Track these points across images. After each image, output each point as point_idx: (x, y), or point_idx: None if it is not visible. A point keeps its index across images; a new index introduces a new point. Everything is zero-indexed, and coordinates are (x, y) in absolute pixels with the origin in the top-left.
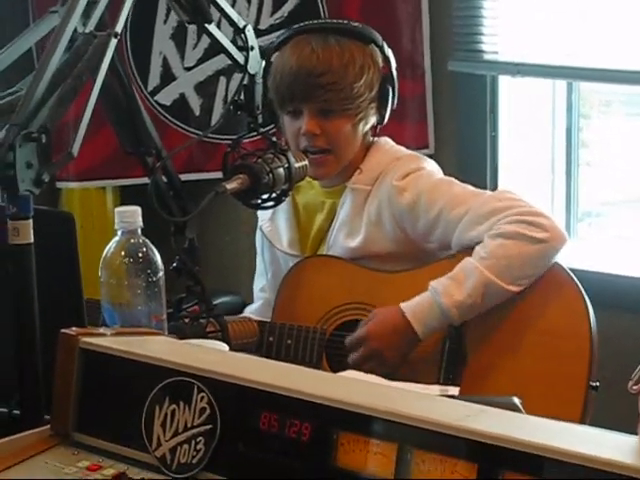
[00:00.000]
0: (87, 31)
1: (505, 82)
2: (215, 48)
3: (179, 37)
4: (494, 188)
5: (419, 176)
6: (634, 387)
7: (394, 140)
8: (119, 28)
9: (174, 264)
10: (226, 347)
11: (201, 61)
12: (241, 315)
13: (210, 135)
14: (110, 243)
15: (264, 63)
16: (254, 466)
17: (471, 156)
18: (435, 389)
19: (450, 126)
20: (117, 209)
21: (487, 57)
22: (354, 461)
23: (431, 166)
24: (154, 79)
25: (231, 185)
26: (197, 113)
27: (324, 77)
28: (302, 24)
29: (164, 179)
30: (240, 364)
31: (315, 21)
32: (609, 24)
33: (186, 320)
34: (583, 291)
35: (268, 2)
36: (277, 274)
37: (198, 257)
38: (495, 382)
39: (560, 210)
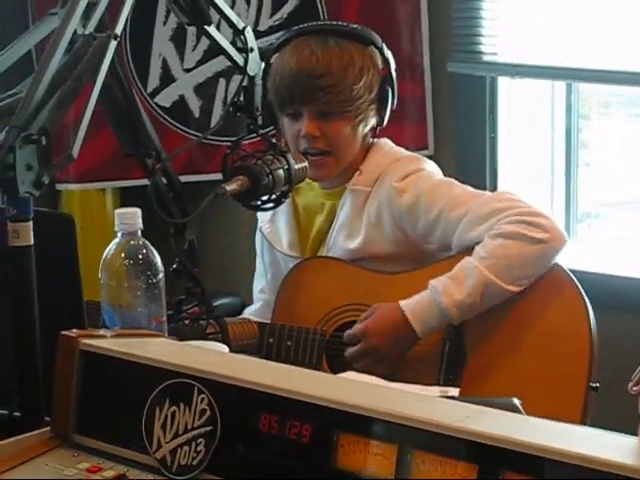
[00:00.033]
0: (87, 33)
1: (504, 83)
2: (214, 50)
3: (178, 39)
4: (493, 189)
5: (419, 177)
6: (634, 388)
7: (394, 141)
8: (119, 30)
9: (174, 266)
10: (226, 348)
11: (200, 63)
12: (241, 316)
13: (210, 137)
14: (110, 245)
15: (263, 65)
16: (254, 468)
17: (470, 157)
18: (435, 390)
19: (449, 127)
20: (117, 211)
21: (486, 58)
22: (354, 462)
23: (431, 167)
24: (153, 81)
25: (231, 187)
26: (196, 115)
27: (324, 79)
28: (301, 26)
29: (164, 181)
30: (240, 365)
31: (314, 23)
32: (608, 25)
33: (186, 322)
34: (583, 292)
35: (267, 3)
36: (277, 275)
37: (198, 259)
38: (495, 383)
39: (560, 211)
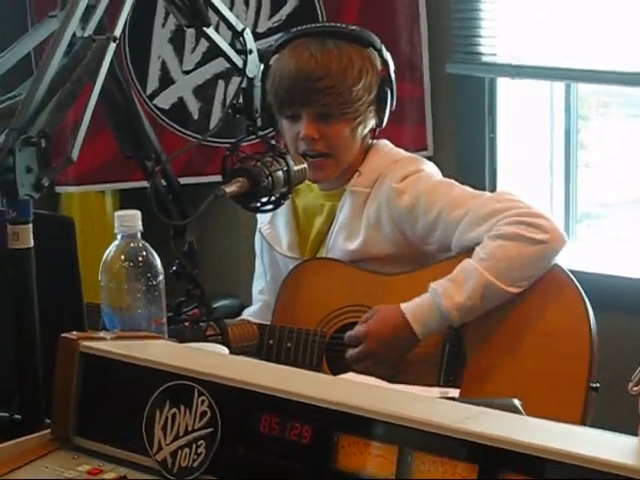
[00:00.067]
0: (86, 35)
1: (503, 84)
2: (213, 52)
3: (177, 41)
4: (493, 190)
5: (418, 178)
6: (634, 388)
7: (393, 142)
8: (118, 32)
9: (174, 268)
10: (226, 350)
11: (199, 65)
12: (240, 318)
13: (209, 139)
14: (110, 247)
15: (262, 66)
16: (255, 469)
17: (470, 158)
18: (435, 391)
19: (449, 128)
20: (117, 213)
21: (485, 59)
22: (355, 463)
23: (430, 168)
24: (153, 83)
25: (230, 188)
26: (196, 117)
27: (323, 81)
28: (300, 27)
29: (163, 183)
30: (240, 367)
31: (313, 25)
32: (607, 26)
33: (186, 324)
34: (583, 292)
35: (266, 5)
36: (276, 277)
37: (198, 260)
38: (495, 384)
39: (559, 211)
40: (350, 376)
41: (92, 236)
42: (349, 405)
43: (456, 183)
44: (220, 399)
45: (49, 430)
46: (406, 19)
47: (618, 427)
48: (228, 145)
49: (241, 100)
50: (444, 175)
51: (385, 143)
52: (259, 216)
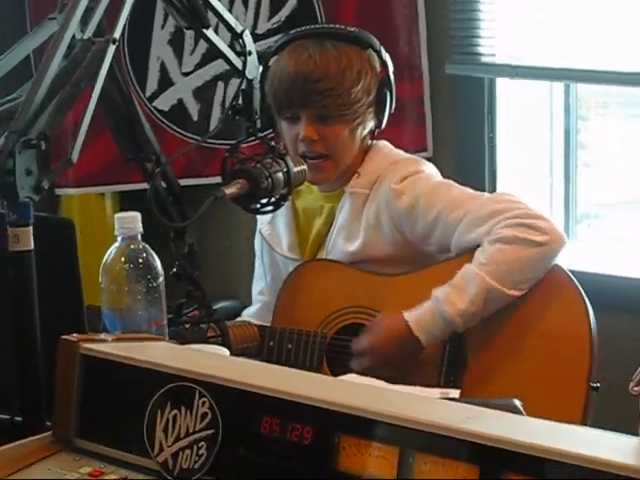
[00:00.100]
0: (85, 37)
1: (502, 84)
2: (213, 53)
3: (177, 42)
4: (492, 190)
5: (417, 179)
6: (635, 388)
7: (393, 143)
8: (117, 34)
9: (174, 269)
10: (227, 352)
11: (199, 66)
12: (239, 318)
13: (209, 140)
14: (110, 249)
15: (261, 68)
16: (256, 470)
17: (469, 158)
18: (436, 392)
19: (448, 129)
20: (117, 215)
21: (484, 59)
22: (356, 465)
23: (429, 169)
24: (152, 85)
25: (230, 190)
26: (195, 118)
27: (321, 83)
28: (299, 29)
29: (163, 185)
30: (241, 369)
31: (312, 26)
32: (606, 26)
33: (187, 325)
34: (583, 292)
35: (265, 7)
36: (276, 277)
37: (198, 262)
38: (496, 385)
39: (559, 212)
40: (351, 377)
41: (92, 238)
42: (350, 406)
43: (455, 184)
44: (221, 400)
45: (50, 432)
46: (405, 20)
47: (618, 427)
48: (228, 147)
49: (240, 101)
50: (444, 175)
51: (384, 144)
52: (259, 217)
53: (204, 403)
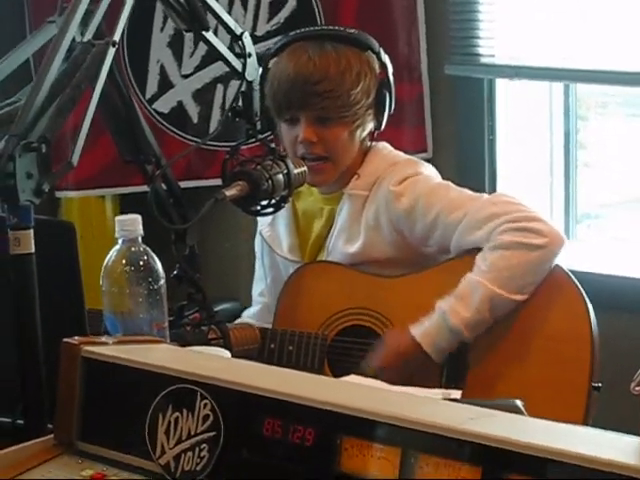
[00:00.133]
0: (85, 40)
1: (502, 85)
2: (212, 55)
3: (176, 45)
4: (492, 191)
5: (416, 181)
6: (637, 388)
7: (392, 144)
8: (117, 37)
9: (175, 272)
10: (228, 354)
11: (198, 69)
12: (240, 320)
13: (209, 142)
14: (111, 252)
15: (261, 70)
16: (258, 472)
17: (469, 159)
18: (437, 393)
19: (448, 130)
20: (118, 218)
21: (484, 60)
22: (358, 466)
23: (428, 171)
24: (152, 87)
25: (230, 192)
26: (195, 120)
27: (321, 85)
28: (299, 31)
29: (164, 187)
30: (243, 370)
31: (312, 28)
32: (605, 26)
33: (188, 327)
34: (584, 293)
35: (264, 9)
36: (277, 279)
37: (198, 264)
38: (497, 388)
39: (559, 212)
40: (352, 378)
41: (92, 241)
42: (352, 407)
43: (454, 185)
44: (223, 402)
45: (52, 435)
46: (404, 21)
47: (619, 427)
48: (228, 149)
49: (240, 103)
50: (444, 177)
51: (384, 145)
52: (259, 219)
53: (206, 405)
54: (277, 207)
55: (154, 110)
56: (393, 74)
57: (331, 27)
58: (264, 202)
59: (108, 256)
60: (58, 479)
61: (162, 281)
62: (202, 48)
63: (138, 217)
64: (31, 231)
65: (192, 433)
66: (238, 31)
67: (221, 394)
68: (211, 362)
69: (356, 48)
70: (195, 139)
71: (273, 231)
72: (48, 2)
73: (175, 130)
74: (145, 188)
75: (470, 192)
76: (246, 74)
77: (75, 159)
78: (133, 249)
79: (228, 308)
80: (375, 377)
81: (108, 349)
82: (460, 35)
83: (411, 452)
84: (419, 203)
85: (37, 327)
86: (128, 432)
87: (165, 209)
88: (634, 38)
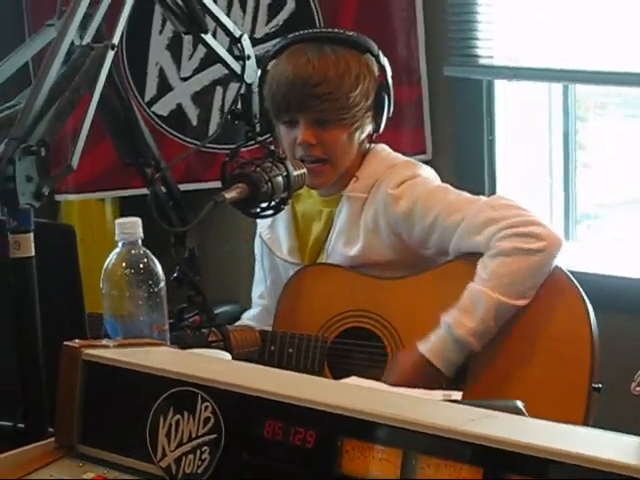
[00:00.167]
0: (84, 43)
1: (501, 86)
2: (211, 58)
3: (175, 47)
4: (492, 192)
5: (414, 183)
6: (637, 388)
7: (391, 146)
8: (116, 40)
9: (175, 274)
10: (228, 356)
11: (197, 71)
12: (240, 322)
13: (208, 145)
14: (111, 255)
15: (260, 72)
16: (259, 475)
17: (468, 161)
18: (438, 394)
19: (447, 131)
20: (117, 220)
21: (483, 61)
22: (359, 467)
23: (427, 173)
24: (151, 90)
25: (230, 194)
26: (194, 123)
27: (320, 87)
28: (298, 33)
29: (163, 190)
30: (243, 373)
31: (311, 30)
32: (603, 27)
33: (188, 330)
34: (583, 294)
35: (263, 11)
36: (276, 281)
37: (198, 267)
38: (498, 389)
39: (558, 213)
40: (352, 380)
41: (92, 244)
42: (353, 409)
43: (452, 188)
44: (224, 405)
45: (53, 438)
46: (403, 23)
47: (619, 427)
48: (227, 151)
49: (240, 106)
50: (443, 178)
51: (383, 147)
52: (259, 221)
53: (207, 408)
54: (277, 209)
55: (153, 113)
56: (392, 77)
57: (330, 30)
58: (264, 204)
59: (108, 259)
60: None
61: (162, 284)
62: (201, 51)
63: (138, 220)
64: (31, 234)
65: (193, 436)
66: (237, 33)
67: (222, 396)
68: (212, 364)
69: (355, 51)
70: (194, 142)
71: (273, 233)
72: (47, 5)
73: (174, 133)
74: (145, 191)
75: (468, 195)
76: (245, 76)
77: (75, 162)
78: (133, 252)
79: (228, 310)
80: None
81: (109, 352)
82: (459, 36)
83: (412, 453)
84: (417, 206)
85: (37, 330)
86: (129, 435)
87: (165, 212)
88: (633, 39)
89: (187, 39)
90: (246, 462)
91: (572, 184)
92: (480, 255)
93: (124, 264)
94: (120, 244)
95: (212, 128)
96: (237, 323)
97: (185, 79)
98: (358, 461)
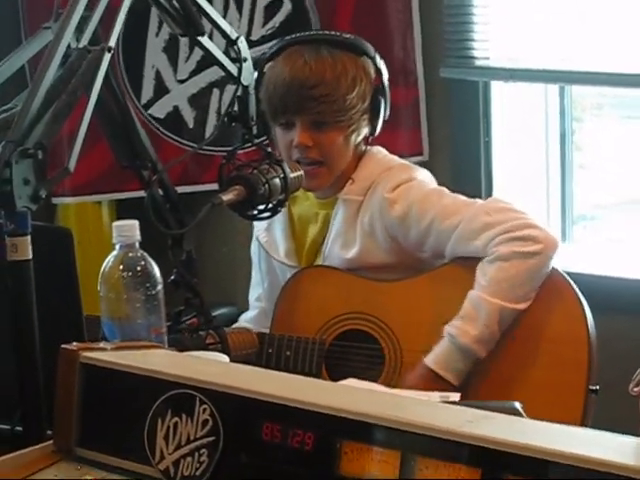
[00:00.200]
0: (81, 46)
1: (497, 87)
2: (208, 60)
3: (171, 50)
4: (489, 194)
5: (410, 187)
6: (635, 389)
7: (388, 148)
8: (113, 42)
9: (172, 277)
10: (226, 359)
11: (194, 73)
12: (237, 324)
13: (205, 147)
14: (108, 257)
15: (256, 74)
16: (258, 477)
17: (465, 162)
18: (435, 395)
19: (444, 132)
20: (115, 223)
21: (479, 63)
22: (358, 469)
23: (422, 176)
24: (147, 92)
25: (227, 196)
26: (191, 125)
27: (317, 89)
28: (294, 35)
29: (160, 192)
30: (241, 375)
31: (307, 32)
32: (600, 28)
33: (186, 333)
34: (580, 295)
35: (259, 13)
36: (274, 284)
37: (196, 269)
38: (496, 390)
39: (555, 214)
40: (350, 382)
41: (89, 247)
42: (351, 411)
43: (448, 191)
44: (222, 407)
45: (51, 442)
46: (399, 24)
47: (617, 427)
48: (224, 153)
49: (236, 108)
50: (440, 179)
51: (378, 150)
52: (256, 223)
53: (205, 410)
54: (274, 211)
55: (150, 115)
56: (388, 79)
57: (327, 32)
58: (261, 206)
59: (105, 262)
60: None
61: (160, 286)
62: (197, 53)
63: (135, 222)
64: (28, 237)
65: (191, 438)
66: (233, 36)
67: (220, 399)
68: (210, 367)
69: (352, 53)
70: (191, 144)
71: (270, 236)
72: (43, 8)
73: (171, 135)
74: (142, 193)
75: (464, 198)
76: (242, 79)
77: (72, 165)
78: (130, 254)
79: (225, 313)
80: None
81: (106, 355)
82: (455, 38)
83: (410, 455)
84: (412, 210)
85: (35, 333)
86: (127, 438)
87: (162, 214)
88: (629, 40)
89: (183, 41)
90: (244, 464)
91: (569, 185)
92: (476, 257)
93: (121, 267)
94: (117, 247)
95: (209, 130)
96: (234, 325)
97: (182, 81)
98: (357, 463)
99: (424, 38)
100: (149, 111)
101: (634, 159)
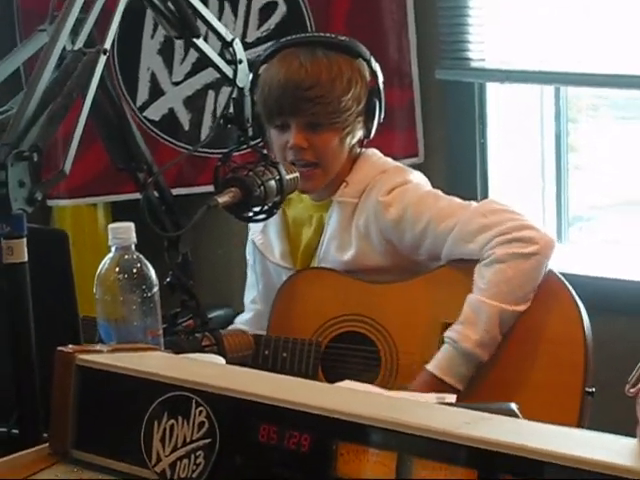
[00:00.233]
0: (76, 48)
1: (493, 89)
2: (203, 62)
3: (166, 52)
4: (484, 195)
5: (405, 190)
6: (631, 390)
7: (383, 149)
8: (108, 44)
9: (168, 279)
10: (222, 360)
11: (189, 75)
12: (233, 326)
13: (200, 149)
14: (104, 259)
15: (251, 76)
16: (254, 478)
17: (461, 163)
18: (432, 397)
19: (439, 134)
20: (111, 225)
21: (474, 64)
22: (354, 471)
23: (417, 178)
24: (142, 94)
25: (223, 198)
26: (186, 128)
27: (312, 91)
28: (290, 37)
29: (156, 194)
30: (238, 377)
31: (303, 34)
32: (595, 29)
33: (182, 335)
34: (576, 296)
35: (254, 15)
36: (269, 286)
37: (191, 271)
38: (492, 391)
39: (551, 215)
40: (347, 384)
41: (85, 249)
42: (347, 413)
43: (442, 194)
44: (218, 409)
45: (47, 444)
46: (394, 26)
47: (614, 429)
48: (219, 155)
49: (232, 110)
50: (435, 181)
51: (373, 152)
52: (251, 225)
53: (201, 412)
54: (270, 213)
55: (145, 118)
56: (383, 81)
57: (322, 34)
58: (256, 208)
59: (101, 264)
60: None
61: (156, 288)
62: (193, 55)
63: (131, 225)
64: (24, 240)
65: (188, 440)
66: (229, 38)
67: (216, 401)
68: (206, 369)
69: (347, 55)
70: (187, 146)
71: (265, 238)
72: (38, 11)
73: (167, 137)
74: (137, 196)
75: (459, 200)
76: (237, 80)
77: (67, 167)
78: (126, 257)
79: (221, 315)
80: None
81: (102, 357)
82: (450, 39)
83: (407, 456)
84: (407, 213)
85: (31, 336)
86: (123, 440)
87: (157, 216)
88: (624, 41)
89: (179, 43)
90: (241, 466)
91: (564, 186)
92: (473, 259)
93: (117, 269)
94: (113, 249)
95: (204, 132)
96: (230, 327)
97: (177, 84)
98: (353, 464)
99: (419, 39)
100: (144, 113)
101: (630, 160)
